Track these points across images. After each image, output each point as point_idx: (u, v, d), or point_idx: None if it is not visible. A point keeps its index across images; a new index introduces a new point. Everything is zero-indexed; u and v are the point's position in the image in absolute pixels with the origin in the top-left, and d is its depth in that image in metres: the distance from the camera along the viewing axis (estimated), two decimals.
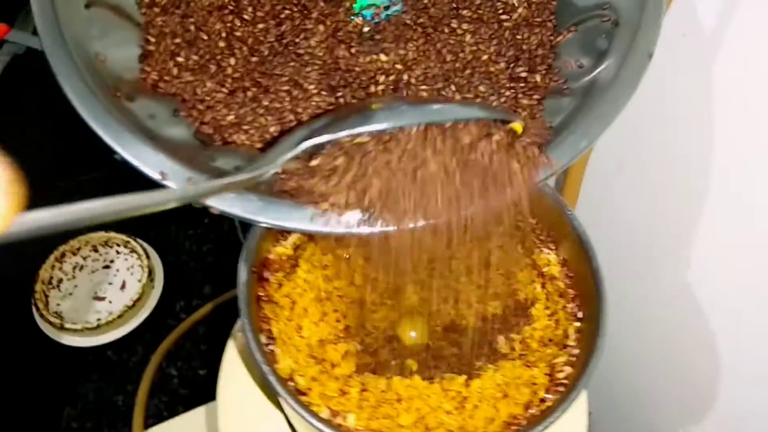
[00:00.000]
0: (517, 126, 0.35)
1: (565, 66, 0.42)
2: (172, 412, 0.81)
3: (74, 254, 0.90)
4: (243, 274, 0.43)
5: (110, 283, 0.89)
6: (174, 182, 0.33)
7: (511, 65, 0.42)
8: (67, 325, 0.83)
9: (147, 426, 0.79)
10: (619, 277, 0.70)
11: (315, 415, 0.41)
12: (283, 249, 0.48)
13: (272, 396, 0.54)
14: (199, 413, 0.77)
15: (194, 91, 0.39)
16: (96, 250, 0.91)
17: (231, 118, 0.39)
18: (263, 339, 0.44)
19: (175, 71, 0.40)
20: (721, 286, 0.57)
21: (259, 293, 0.46)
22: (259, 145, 0.38)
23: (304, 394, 0.44)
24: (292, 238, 0.49)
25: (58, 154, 1.02)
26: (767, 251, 0.50)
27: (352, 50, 0.43)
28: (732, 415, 0.61)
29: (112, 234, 0.91)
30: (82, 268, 0.90)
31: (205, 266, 0.96)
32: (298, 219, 0.34)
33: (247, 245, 0.44)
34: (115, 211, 0.26)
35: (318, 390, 0.44)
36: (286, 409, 0.49)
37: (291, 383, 0.44)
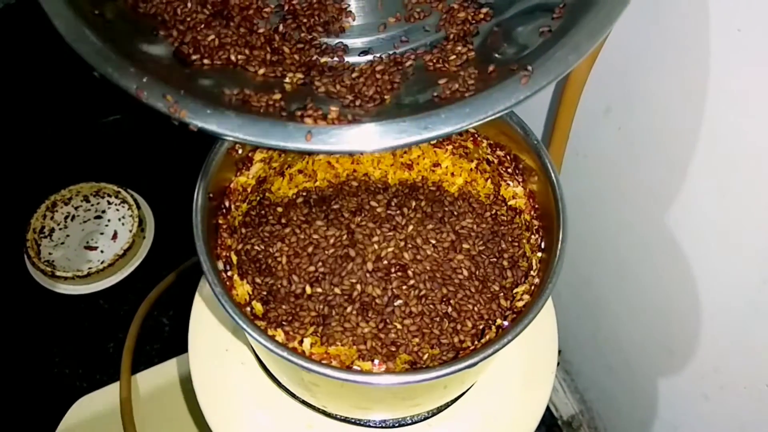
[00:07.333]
0: None
1: None
2: (163, 359, 0.82)
3: (66, 204, 0.91)
4: (200, 198, 0.43)
5: (102, 233, 0.90)
6: (150, 98, 0.33)
7: None
8: (59, 273, 0.84)
9: (136, 372, 0.80)
10: (602, 222, 0.69)
11: (270, 338, 0.40)
12: (245, 179, 0.48)
13: (240, 332, 0.54)
14: (182, 359, 0.78)
15: (174, 12, 0.39)
16: (87, 200, 0.91)
17: (212, 38, 0.39)
18: (220, 265, 0.44)
19: None
20: (701, 231, 0.56)
21: (220, 221, 0.46)
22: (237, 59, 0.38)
23: (261, 319, 0.44)
24: (255, 169, 0.48)
25: (76, 97, 1.02)
26: (750, 195, 0.49)
27: None
28: (711, 361, 0.60)
29: (103, 184, 0.92)
30: (73, 218, 0.90)
31: None
32: (277, 136, 0.33)
33: (204, 170, 0.44)
34: None
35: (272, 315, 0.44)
36: (249, 339, 0.49)
37: (247, 308, 0.44)
